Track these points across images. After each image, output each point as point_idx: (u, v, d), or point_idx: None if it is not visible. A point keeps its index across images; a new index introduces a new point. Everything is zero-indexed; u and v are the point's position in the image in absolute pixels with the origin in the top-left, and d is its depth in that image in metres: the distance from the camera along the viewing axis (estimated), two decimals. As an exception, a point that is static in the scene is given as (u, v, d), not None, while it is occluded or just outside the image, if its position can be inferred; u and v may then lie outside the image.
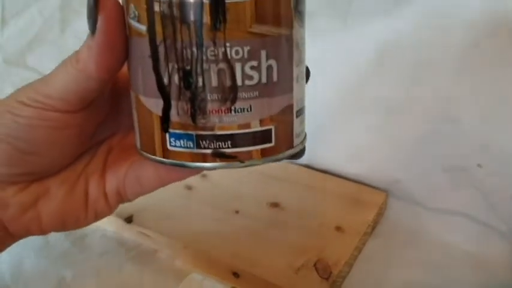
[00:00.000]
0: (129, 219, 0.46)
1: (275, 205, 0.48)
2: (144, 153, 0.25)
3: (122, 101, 0.27)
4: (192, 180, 0.52)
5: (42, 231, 0.28)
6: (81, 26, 0.71)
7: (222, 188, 0.51)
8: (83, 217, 0.28)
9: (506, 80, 0.43)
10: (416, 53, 0.47)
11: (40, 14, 0.71)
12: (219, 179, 0.53)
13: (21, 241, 0.44)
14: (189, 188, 0.51)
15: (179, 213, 0.47)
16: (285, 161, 0.56)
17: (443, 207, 0.48)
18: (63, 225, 0.28)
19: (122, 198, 0.29)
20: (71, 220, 0.28)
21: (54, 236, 0.46)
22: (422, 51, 0.46)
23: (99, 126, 0.28)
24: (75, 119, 0.25)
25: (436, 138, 0.47)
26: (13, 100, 0.24)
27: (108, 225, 0.47)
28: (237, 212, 0.47)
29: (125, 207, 0.48)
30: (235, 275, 0.41)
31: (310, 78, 0.57)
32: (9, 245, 0.28)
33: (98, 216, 0.29)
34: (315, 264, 0.40)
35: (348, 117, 0.52)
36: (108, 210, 0.29)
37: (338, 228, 0.45)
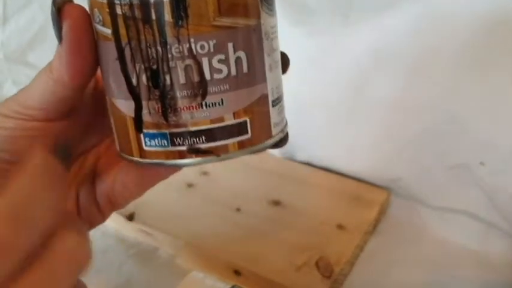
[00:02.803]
0: (130, 217, 0.46)
1: (276, 203, 0.48)
2: (123, 155, 0.25)
3: (106, 108, 0.27)
4: (193, 178, 0.52)
5: None
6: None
7: (223, 186, 0.51)
8: None
9: (508, 78, 0.43)
10: (418, 51, 0.47)
11: (41, 11, 0.71)
12: (220, 176, 0.53)
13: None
14: (190, 185, 0.51)
15: (180, 211, 0.47)
16: (278, 154, 0.56)
17: (446, 205, 0.48)
18: None
19: (113, 205, 0.29)
20: None
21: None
22: (423, 48, 0.46)
23: (84, 134, 0.28)
24: (57, 128, 0.25)
25: (438, 136, 0.47)
26: None
27: (110, 222, 0.47)
28: (238, 209, 0.47)
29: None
30: (237, 273, 0.41)
31: (311, 75, 0.57)
32: None
33: (92, 225, 0.29)
34: (316, 263, 0.40)
35: (349, 115, 0.52)
36: (102, 219, 0.29)
37: (340, 227, 0.45)
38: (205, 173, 0.53)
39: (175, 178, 0.52)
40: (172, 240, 0.44)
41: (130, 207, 0.47)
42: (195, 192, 0.50)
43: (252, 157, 0.63)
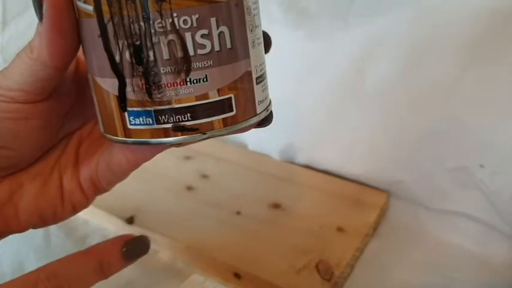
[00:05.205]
0: (130, 220, 0.46)
1: (276, 206, 0.48)
2: (107, 136, 0.25)
3: (88, 91, 0.26)
4: (193, 181, 0.52)
5: (22, 227, 0.28)
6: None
7: (223, 189, 0.51)
8: (60, 210, 0.28)
9: (508, 79, 0.43)
10: (418, 53, 0.47)
11: (41, 15, 0.71)
12: (220, 179, 0.53)
13: (23, 241, 0.44)
14: (189, 188, 0.51)
15: (180, 214, 0.47)
16: (278, 157, 0.56)
17: (446, 207, 0.48)
18: (42, 219, 0.28)
19: (97, 188, 0.28)
20: (48, 214, 0.28)
21: (55, 237, 0.46)
22: (423, 50, 0.46)
23: (66, 117, 0.28)
24: (38, 109, 0.25)
25: (438, 139, 0.47)
26: None
27: (109, 226, 0.47)
28: (238, 213, 0.47)
29: (126, 208, 0.48)
30: (237, 275, 0.41)
31: (310, 77, 0.57)
32: None
33: (76, 209, 0.29)
34: (316, 265, 0.40)
35: (349, 118, 0.52)
36: (86, 202, 0.29)
37: (340, 229, 0.45)
38: (205, 176, 0.53)
39: (175, 181, 0.52)
40: (173, 244, 0.44)
41: (129, 210, 0.47)
42: (195, 195, 0.50)
43: (252, 160, 0.63)
